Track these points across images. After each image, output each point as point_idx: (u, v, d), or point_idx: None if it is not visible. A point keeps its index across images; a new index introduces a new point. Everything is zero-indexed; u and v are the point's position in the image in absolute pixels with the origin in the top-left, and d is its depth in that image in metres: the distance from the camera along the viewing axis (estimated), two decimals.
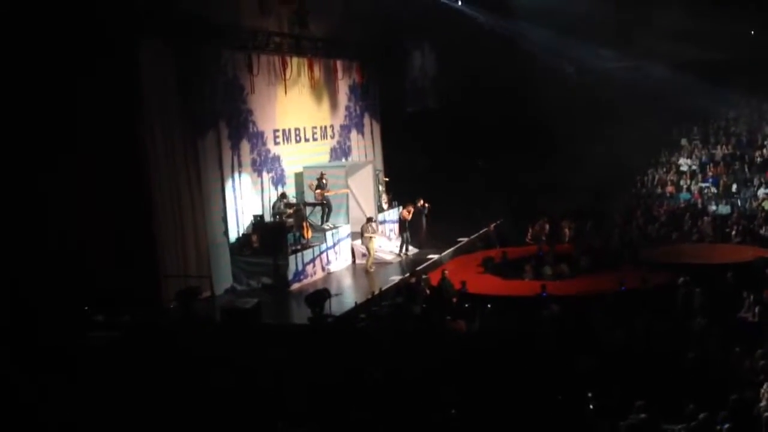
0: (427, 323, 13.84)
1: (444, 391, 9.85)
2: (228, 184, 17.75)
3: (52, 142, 13.70)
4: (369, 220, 19.46)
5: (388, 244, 20.89)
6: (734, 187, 24.56)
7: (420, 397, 9.80)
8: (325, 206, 19.40)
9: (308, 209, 19.23)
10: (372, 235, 19.24)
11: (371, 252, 19.27)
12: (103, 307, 13.04)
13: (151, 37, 15.49)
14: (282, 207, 18.52)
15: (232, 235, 17.77)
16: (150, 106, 15.55)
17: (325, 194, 19.30)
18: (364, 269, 19.27)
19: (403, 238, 20.74)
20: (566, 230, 20.96)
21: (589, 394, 9.48)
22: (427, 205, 21.85)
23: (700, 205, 23.61)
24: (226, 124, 17.80)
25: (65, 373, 10.23)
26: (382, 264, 19.68)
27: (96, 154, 14.50)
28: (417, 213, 21.58)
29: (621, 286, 15.29)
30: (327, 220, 19.45)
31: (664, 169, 26.94)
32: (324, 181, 19.37)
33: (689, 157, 27.25)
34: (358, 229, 19.72)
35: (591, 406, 9.34)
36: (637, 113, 27.15)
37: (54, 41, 13.50)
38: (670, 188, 25.40)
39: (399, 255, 20.32)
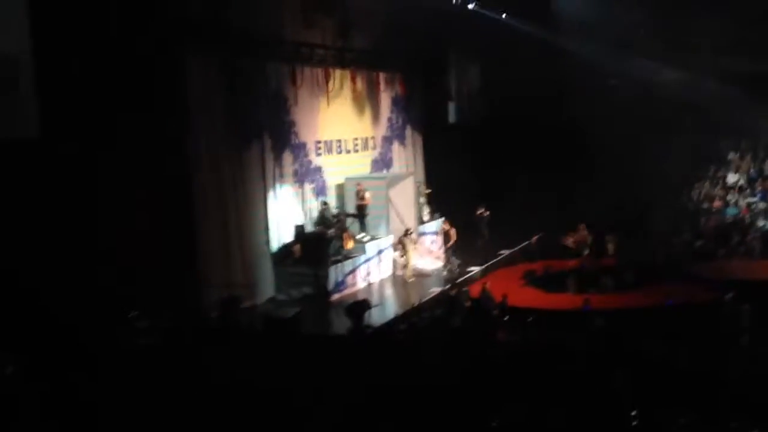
0: (467, 336, 13.77)
1: (484, 404, 9.77)
2: (270, 195, 17.93)
3: (100, 151, 13.94)
4: (407, 232, 19.44)
5: (428, 256, 20.86)
6: None
7: (460, 410, 9.73)
8: (361, 217, 19.46)
9: (348, 220, 19.33)
10: (412, 245, 19.27)
11: (410, 263, 19.27)
12: (147, 314, 13.21)
13: (197, 51, 15.76)
14: (329, 216, 18.72)
15: (274, 245, 17.93)
16: (196, 118, 15.79)
17: (360, 204, 19.35)
18: (403, 280, 19.27)
19: (446, 253, 20.79)
20: (610, 244, 20.70)
21: (633, 413, 9.34)
22: (487, 213, 21.95)
23: (747, 221, 23.15)
24: (270, 136, 18.00)
25: (107, 379, 10.36)
26: (422, 275, 19.65)
27: (142, 164, 14.73)
28: (477, 221, 22.09)
29: (666, 301, 15.05)
30: (364, 231, 19.51)
31: (712, 184, 26.48)
32: (360, 192, 19.45)
33: (737, 171, 26.74)
34: (398, 241, 19.75)
35: (634, 424, 9.20)
36: (684, 126, 26.73)
37: (103, 56, 13.75)
38: (717, 203, 24.94)
39: (445, 268, 20.35)
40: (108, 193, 14.17)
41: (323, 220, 18.79)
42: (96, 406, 9.39)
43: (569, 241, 20.65)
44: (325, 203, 19.25)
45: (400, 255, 19.70)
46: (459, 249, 21.84)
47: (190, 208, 15.64)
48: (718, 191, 25.72)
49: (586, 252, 20.09)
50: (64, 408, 9.31)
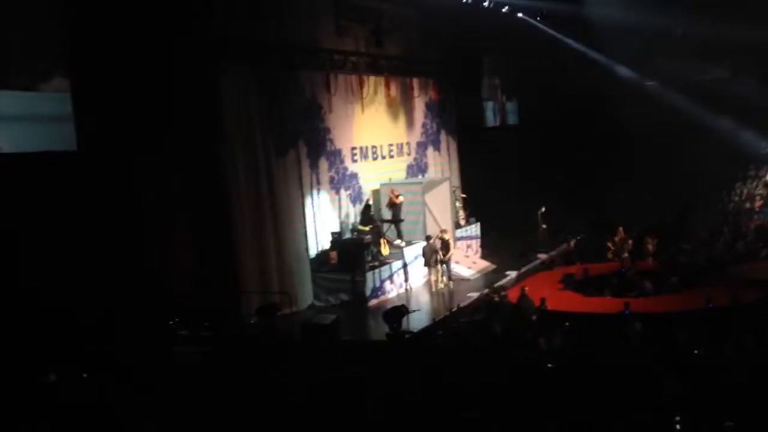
0: (507, 340, 13.68)
1: (522, 410, 9.70)
2: (307, 202, 18.03)
3: (138, 162, 14.13)
4: (428, 238, 19.08)
5: (464, 261, 20.74)
6: None
7: (499, 415, 9.68)
8: (397, 222, 19.43)
9: (385, 226, 19.34)
10: (439, 250, 19.01)
11: (438, 268, 18.99)
12: (187, 322, 13.35)
13: (233, 61, 15.91)
14: (371, 215, 19.05)
15: (312, 252, 18.00)
16: (232, 127, 15.96)
17: (392, 203, 19.38)
18: (436, 284, 19.01)
19: (440, 268, 18.97)
20: (649, 246, 20.41)
21: (677, 417, 9.19)
22: (544, 208, 22.42)
23: None
24: (305, 143, 18.12)
25: (151, 389, 10.48)
26: (458, 280, 19.49)
27: (180, 173, 14.96)
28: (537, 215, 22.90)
29: (708, 303, 14.81)
30: (400, 236, 19.46)
31: (753, 184, 26.01)
32: (393, 191, 19.53)
33: None
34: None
35: (678, 427, 9.05)
36: (724, 126, 26.30)
37: (139, 66, 13.95)
38: (759, 203, 24.51)
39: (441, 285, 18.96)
40: (147, 203, 14.37)
41: (366, 219, 18.98)
42: (136, 414, 9.52)
43: (608, 244, 20.40)
44: (368, 204, 19.49)
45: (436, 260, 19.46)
46: (496, 252, 21.79)
47: (228, 217, 15.80)
48: (759, 191, 25.28)
49: (625, 255, 19.83)
50: (104, 415, 9.45)
